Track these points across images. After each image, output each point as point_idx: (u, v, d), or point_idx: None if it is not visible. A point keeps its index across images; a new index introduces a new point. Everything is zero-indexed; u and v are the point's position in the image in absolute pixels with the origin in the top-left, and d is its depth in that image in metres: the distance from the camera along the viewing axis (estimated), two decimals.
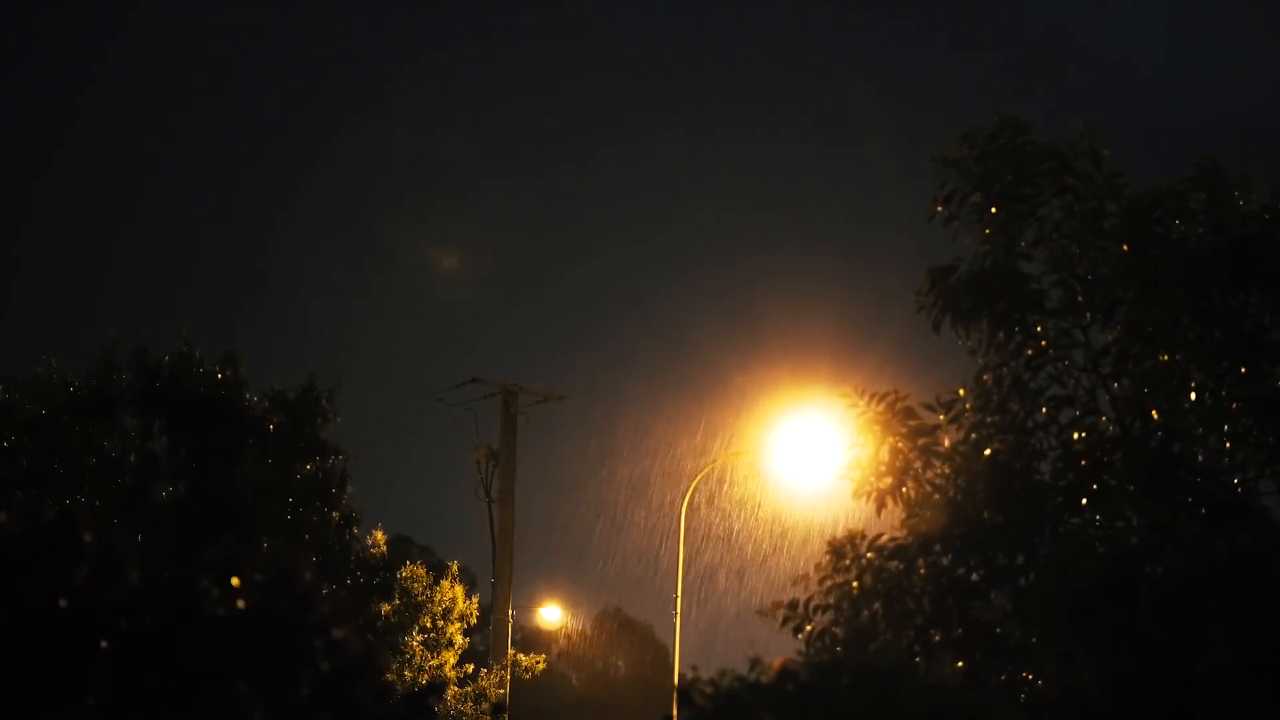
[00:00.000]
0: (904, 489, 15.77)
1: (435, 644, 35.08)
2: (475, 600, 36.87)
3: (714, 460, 42.17)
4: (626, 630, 75.38)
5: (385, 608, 33.55)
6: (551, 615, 56.79)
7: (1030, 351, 15.93)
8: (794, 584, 15.78)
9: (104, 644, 8.38)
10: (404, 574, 34.79)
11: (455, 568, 36.39)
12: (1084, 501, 15.43)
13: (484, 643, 43.58)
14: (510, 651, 37.45)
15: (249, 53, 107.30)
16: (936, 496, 15.61)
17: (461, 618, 35.65)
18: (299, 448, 30.70)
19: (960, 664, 15.29)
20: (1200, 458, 15.51)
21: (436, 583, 35.40)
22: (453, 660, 35.10)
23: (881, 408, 15.85)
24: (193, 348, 30.61)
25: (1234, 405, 15.58)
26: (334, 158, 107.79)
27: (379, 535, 33.54)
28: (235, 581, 8.59)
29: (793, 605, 15.66)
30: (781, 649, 15.00)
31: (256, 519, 29.02)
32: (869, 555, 15.51)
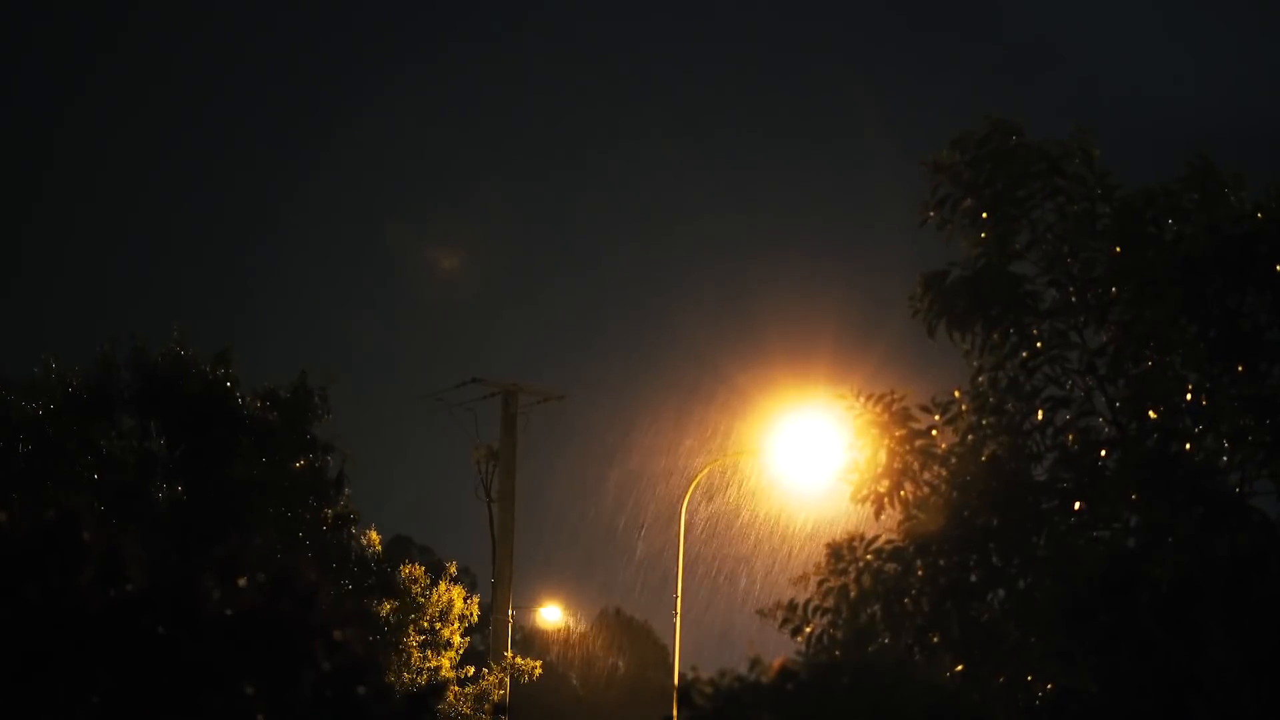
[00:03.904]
0: (902, 491, 15.79)
1: (433, 645, 35.02)
2: (475, 600, 36.82)
3: (714, 460, 42.22)
4: (626, 630, 75.40)
5: (385, 608, 33.52)
6: (551, 615, 56.78)
7: (1025, 353, 15.96)
8: (793, 584, 15.81)
9: (106, 644, 8.40)
10: (404, 572, 34.73)
11: (453, 569, 36.26)
12: (1081, 502, 15.45)
13: (484, 643, 43.63)
14: (508, 654, 37.42)
15: (248, 52, 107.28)
16: (934, 498, 15.64)
17: (462, 618, 35.60)
18: (292, 445, 30.75)
19: (959, 665, 15.31)
20: (1197, 458, 15.54)
21: (434, 584, 35.31)
22: (448, 662, 35.03)
23: (879, 409, 15.88)
24: (186, 347, 30.67)
25: (1231, 405, 15.60)
26: (335, 158, 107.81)
27: (373, 535, 33.51)
28: (241, 582, 8.62)
29: (792, 607, 15.68)
30: (781, 649, 15.05)
31: (251, 517, 29.06)
32: (867, 557, 15.53)
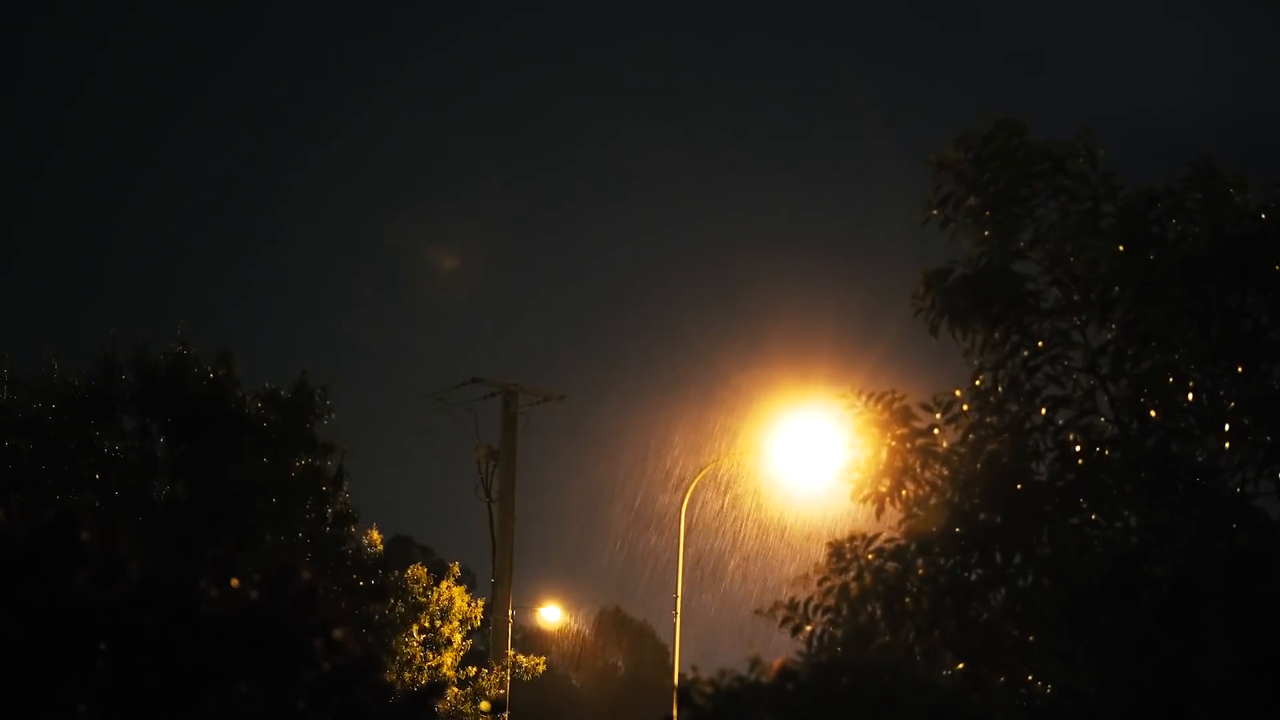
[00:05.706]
0: (903, 490, 15.78)
1: (433, 644, 35.05)
2: (481, 603, 36.82)
3: (714, 460, 42.24)
4: (626, 630, 75.38)
5: (396, 607, 33.55)
6: (551, 615, 56.81)
7: (1027, 352, 15.96)
8: (793, 584, 15.81)
9: (103, 644, 8.38)
10: (408, 574, 34.79)
11: (456, 569, 36.33)
12: (1082, 502, 15.44)
13: (484, 643, 43.63)
14: (510, 652, 37.45)
15: (248, 51, 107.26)
16: (935, 497, 15.63)
17: (465, 620, 35.62)
18: (293, 445, 30.76)
19: (959, 664, 15.30)
20: (1198, 457, 15.53)
21: (437, 584, 35.36)
22: (450, 661, 35.06)
23: (879, 408, 15.88)
24: (188, 348, 30.68)
25: (1232, 405, 15.59)
26: (334, 157, 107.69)
27: (375, 535, 33.50)
28: (235, 582, 8.60)
29: (792, 606, 15.67)
30: (781, 649, 15.03)
31: (252, 517, 29.05)
32: (868, 556, 15.52)
